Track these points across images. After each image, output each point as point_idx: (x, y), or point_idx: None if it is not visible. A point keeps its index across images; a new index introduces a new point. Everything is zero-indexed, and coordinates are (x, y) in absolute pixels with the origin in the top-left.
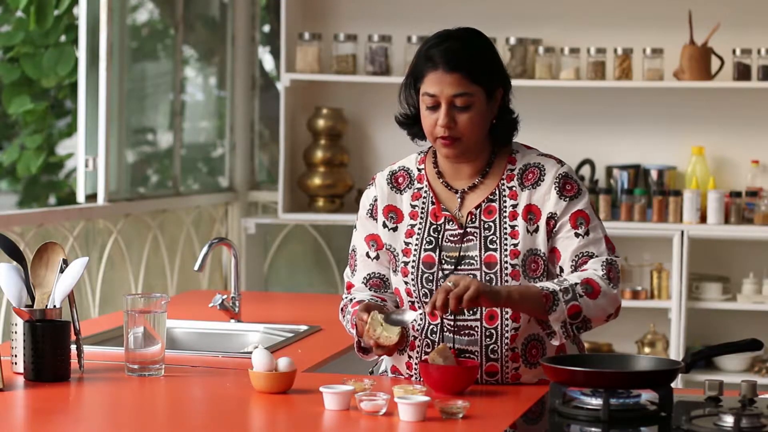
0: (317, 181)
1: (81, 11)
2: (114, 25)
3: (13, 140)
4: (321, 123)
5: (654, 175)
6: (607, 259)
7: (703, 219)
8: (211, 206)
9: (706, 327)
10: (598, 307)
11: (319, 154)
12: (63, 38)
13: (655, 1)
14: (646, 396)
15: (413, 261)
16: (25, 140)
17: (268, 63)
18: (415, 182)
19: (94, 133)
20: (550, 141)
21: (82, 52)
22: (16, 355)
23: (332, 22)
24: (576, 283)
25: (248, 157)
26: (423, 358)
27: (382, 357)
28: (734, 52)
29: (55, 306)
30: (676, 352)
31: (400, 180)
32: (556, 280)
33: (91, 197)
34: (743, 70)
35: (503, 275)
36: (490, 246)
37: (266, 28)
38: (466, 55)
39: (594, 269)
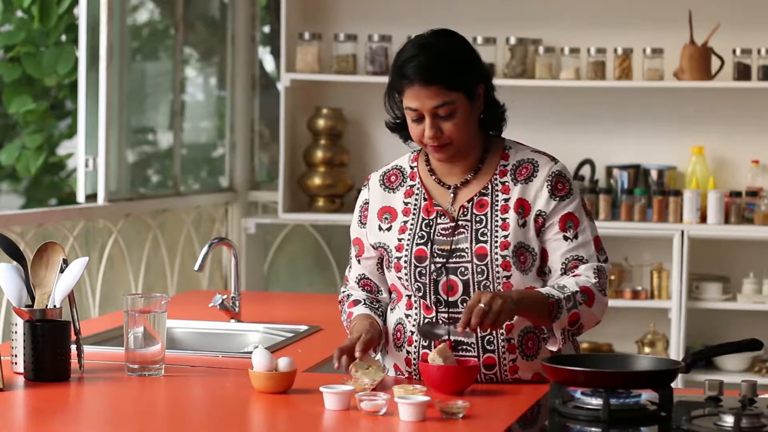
0: (317, 181)
1: (81, 11)
2: (114, 25)
3: (13, 140)
4: (321, 123)
5: (654, 175)
6: (597, 266)
7: (703, 219)
8: (211, 206)
9: (706, 327)
10: (591, 314)
11: (319, 154)
12: (63, 38)
13: (655, 1)
14: (646, 396)
15: (405, 256)
16: (25, 140)
17: (268, 63)
18: (408, 180)
19: (94, 133)
20: (550, 141)
21: (82, 52)
22: (16, 355)
23: (332, 22)
24: (576, 291)
25: (248, 157)
26: (421, 353)
27: (380, 356)
28: (734, 52)
29: (55, 306)
30: (676, 352)
31: (393, 179)
32: (556, 287)
33: (91, 197)
34: (743, 70)
35: (494, 267)
36: (481, 238)
37: (266, 28)
38: (440, 65)
39: (587, 276)
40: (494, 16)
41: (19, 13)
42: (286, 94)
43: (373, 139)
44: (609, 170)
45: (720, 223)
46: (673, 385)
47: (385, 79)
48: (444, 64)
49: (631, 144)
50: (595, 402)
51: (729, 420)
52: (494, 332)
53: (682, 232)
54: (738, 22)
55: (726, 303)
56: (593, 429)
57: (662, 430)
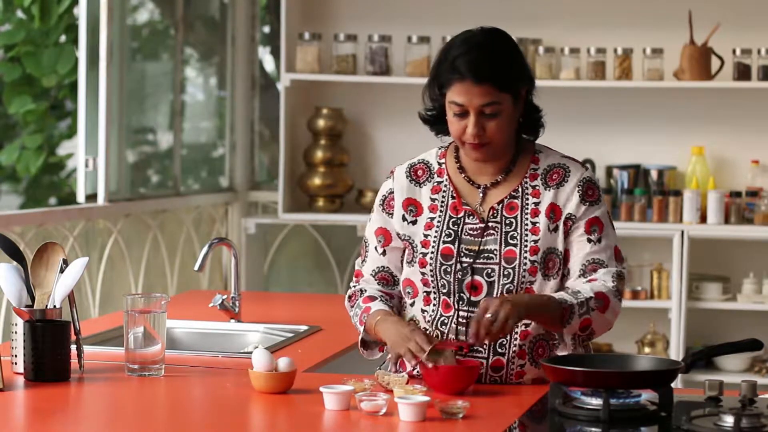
0: (317, 181)
1: (81, 11)
2: (114, 25)
3: (13, 140)
4: (321, 123)
5: (654, 175)
6: (617, 271)
7: (703, 219)
8: (211, 206)
9: (706, 327)
10: (604, 320)
11: (319, 154)
12: (63, 38)
13: (655, 1)
14: (646, 396)
15: (432, 252)
16: (25, 140)
17: (268, 63)
18: (435, 176)
19: (94, 133)
20: (551, 141)
21: (82, 52)
22: (16, 355)
23: (332, 22)
24: (590, 297)
25: (248, 157)
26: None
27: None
28: (734, 52)
29: (55, 306)
30: (676, 352)
31: (419, 173)
32: (569, 291)
33: (91, 197)
34: (743, 70)
35: (521, 271)
36: (511, 241)
37: (266, 28)
38: (494, 65)
39: (604, 281)
40: (494, 16)
41: (19, 13)
42: (286, 94)
43: (373, 139)
44: (609, 170)
45: (720, 223)
46: (673, 385)
47: (385, 80)
48: (498, 65)
49: (631, 144)
50: (595, 402)
51: (729, 420)
52: (508, 337)
53: (682, 232)
54: (738, 22)
55: (726, 303)
56: (593, 429)
57: (662, 430)
